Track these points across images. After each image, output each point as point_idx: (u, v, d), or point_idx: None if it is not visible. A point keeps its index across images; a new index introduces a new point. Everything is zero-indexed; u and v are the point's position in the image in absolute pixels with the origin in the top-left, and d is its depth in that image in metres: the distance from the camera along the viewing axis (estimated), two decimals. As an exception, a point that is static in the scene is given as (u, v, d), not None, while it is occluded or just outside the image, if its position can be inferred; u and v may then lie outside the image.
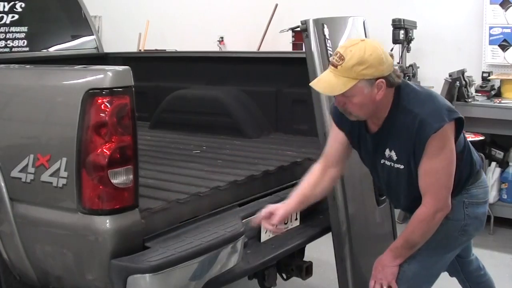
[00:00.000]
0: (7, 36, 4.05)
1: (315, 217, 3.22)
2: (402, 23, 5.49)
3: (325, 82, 2.41)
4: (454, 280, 3.06)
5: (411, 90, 2.48)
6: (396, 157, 2.50)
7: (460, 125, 2.45)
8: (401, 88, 2.47)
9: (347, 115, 2.49)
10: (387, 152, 2.52)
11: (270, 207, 2.65)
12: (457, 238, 2.62)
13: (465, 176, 2.57)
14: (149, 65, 4.56)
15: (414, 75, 5.59)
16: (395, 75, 2.42)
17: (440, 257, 2.64)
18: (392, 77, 2.40)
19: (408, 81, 2.57)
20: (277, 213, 2.62)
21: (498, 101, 5.03)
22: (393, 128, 2.47)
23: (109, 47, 5.23)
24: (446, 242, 2.60)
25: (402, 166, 2.49)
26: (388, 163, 2.54)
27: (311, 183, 2.70)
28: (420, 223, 2.49)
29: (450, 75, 5.05)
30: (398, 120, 2.45)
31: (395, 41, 5.50)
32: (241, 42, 6.88)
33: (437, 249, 2.59)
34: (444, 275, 2.87)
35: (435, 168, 2.41)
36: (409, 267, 2.59)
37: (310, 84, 2.50)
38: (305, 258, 3.40)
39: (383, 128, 2.50)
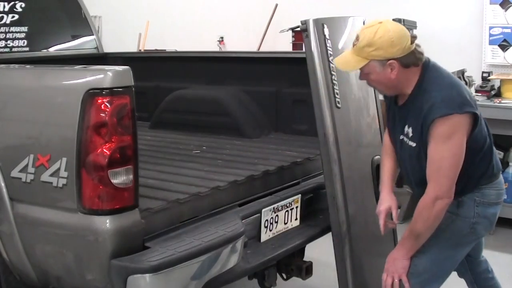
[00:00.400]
0: (7, 36, 4.05)
1: (315, 217, 3.23)
2: (402, 23, 5.46)
3: (343, 59, 2.63)
4: (462, 281, 3.06)
5: (437, 75, 2.56)
6: (411, 134, 2.57)
7: (475, 121, 2.47)
8: (428, 69, 2.56)
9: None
10: (406, 128, 2.60)
11: (383, 210, 2.75)
12: (466, 236, 2.65)
13: (478, 175, 2.60)
14: (149, 65, 4.55)
15: (414, 75, 5.58)
16: (414, 57, 2.50)
17: (450, 254, 2.67)
18: (409, 58, 2.48)
19: (439, 65, 2.63)
20: (393, 210, 2.75)
21: (498, 101, 5.03)
22: (413, 106, 2.55)
23: (109, 47, 5.24)
24: (455, 239, 2.64)
25: (414, 144, 2.56)
26: (405, 139, 2.61)
27: (393, 158, 2.82)
28: (421, 211, 2.53)
29: (450, 75, 5.04)
30: (417, 99, 2.53)
31: (395, 41, 5.49)
32: (241, 42, 6.88)
33: (447, 245, 2.63)
34: (452, 277, 2.87)
35: (439, 156, 2.45)
36: (419, 261, 2.63)
37: (334, 59, 2.81)
38: (305, 258, 3.40)
39: (406, 104, 2.60)
